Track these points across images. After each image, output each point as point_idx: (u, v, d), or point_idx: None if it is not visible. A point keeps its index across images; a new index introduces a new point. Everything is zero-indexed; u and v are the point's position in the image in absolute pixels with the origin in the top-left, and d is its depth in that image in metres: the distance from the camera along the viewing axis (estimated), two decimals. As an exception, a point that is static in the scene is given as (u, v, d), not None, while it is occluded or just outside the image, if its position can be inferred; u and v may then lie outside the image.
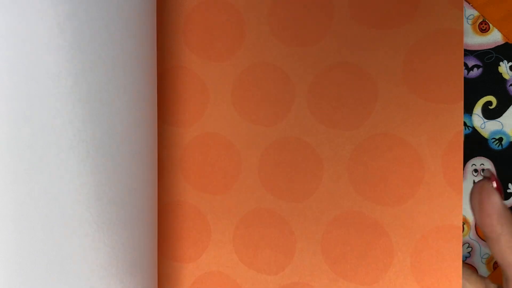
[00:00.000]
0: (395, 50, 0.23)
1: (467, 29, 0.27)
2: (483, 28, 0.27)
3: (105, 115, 0.20)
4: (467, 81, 0.27)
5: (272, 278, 0.25)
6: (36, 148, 0.19)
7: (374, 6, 0.23)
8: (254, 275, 0.26)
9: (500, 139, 0.27)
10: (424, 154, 0.22)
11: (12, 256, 0.19)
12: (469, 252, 0.27)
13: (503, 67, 0.27)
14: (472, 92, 0.27)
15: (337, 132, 0.24)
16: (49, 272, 0.20)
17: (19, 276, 0.19)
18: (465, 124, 0.27)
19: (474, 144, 0.27)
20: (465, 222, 0.27)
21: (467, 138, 0.27)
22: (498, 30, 0.27)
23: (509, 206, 0.27)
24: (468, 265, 0.27)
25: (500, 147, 0.27)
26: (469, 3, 0.27)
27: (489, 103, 0.27)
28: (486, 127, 0.27)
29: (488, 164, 0.27)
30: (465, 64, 0.27)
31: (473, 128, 0.27)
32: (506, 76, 0.27)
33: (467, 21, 0.27)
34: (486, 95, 0.27)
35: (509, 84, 0.27)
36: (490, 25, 0.27)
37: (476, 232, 0.27)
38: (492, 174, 0.21)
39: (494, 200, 0.20)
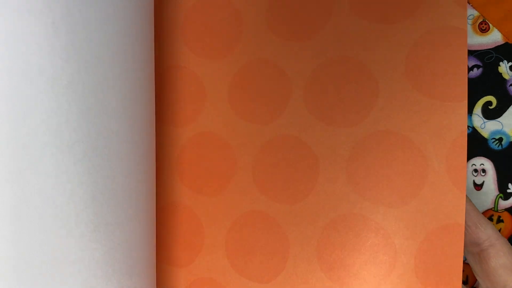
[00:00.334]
0: (398, 45, 0.22)
1: (467, 29, 0.27)
2: (483, 28, 0.27)
3: (101, 115, 0.20)
4: (467, 81, 0.27)
5: (264, 286, 0.24)
6: (32, 148, 0.19)
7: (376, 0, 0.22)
8: (245, 283, 0.24)
9: (500, 139, 0.27)
10: (428, 152, 0.21)
11: (8, 256, 0.19)
12: (469, 252, 0.27)
13: (503, 67, 0.27)
14: (472, 92, 0.27)
15: (335, 130, 0.23)
16: (45, 272, 0.19)
17: (15, 276, 0.19)
18: (465, 124, 0.27)
19: (474, 144, 0.27)
20: (465, 222, 0.27)
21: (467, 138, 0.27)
22: (498, 30, 0.27)
23: (509, 206, 0.27)
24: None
25: (500, 147, 0.27)
26: (469, 3, 0.27)
27: (489, 103, 0.27)
28: (486, 127, 0.27)
29: (488, 164, 0.27)
30: (465, 64, 0.27)
31: (473, 128, 0.27)
32: (506, 76, 0.27)
33: (467, 21, 0.27)
34: (486, 95, 0.27)
35: (509, 84, 0.27)
36: (490, 25, 0.27)
37: (476, 232, 0.27)
38: None
39: None
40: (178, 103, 0.26)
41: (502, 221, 0.27)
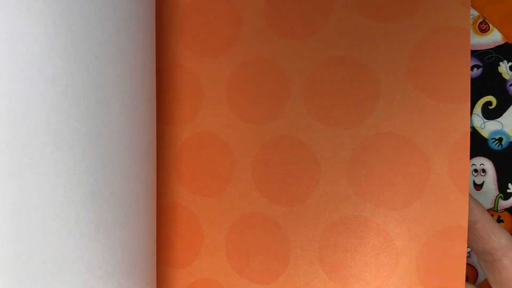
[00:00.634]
0: (399, 45, 0.22)
1: (467, 29, 0.27)
2: (483, 28, 0.27)
3: (102, 114, 0.20)
4: (467, 81, 0.27)
5: (265, 287, 0.24)
6: (32, 147, 0.19)
7: None
8: (246, 284, 0.24)
9: (500, 139, 0.27)
10: (430, 154, 0.21)
11: (8, 255, 0.19)
12: (469, 253, 0.27)
13: (503, 67, 0.27)
14: (472, 92, 0.27)
15: (336, 131, 0.23)
16: (45, 272, 0.19)
17: (15, 276, 0.19)
18: (465, 124, 0.27)
19: (474, 144, 0.27)
20: (465, 222, 0.27)
21: (467, 138, 0.27)
22: (498, 30, 0.27)
23: (509, 206, 0.27)
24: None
25: (500, 147, 0.27)
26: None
27: (489, 103, 0.27)
28: (486, 127, 0.27)
29: (488, 164, 0.27)
30: (465, 64, 0.27)
31: (473, 128, 0.27)
32: (506, 76, 0.27)
33: (467, 21, 0.27)
34: (486, 95, 0.27)
35: (509, 84, 0.27)
36: (490, 25, 0.27)
37: (476, 232, 0.27)
38: None
39: None
40: (175, 102, 0.26)
41: (502, 221, 0.27)
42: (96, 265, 0.20)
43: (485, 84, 0.27)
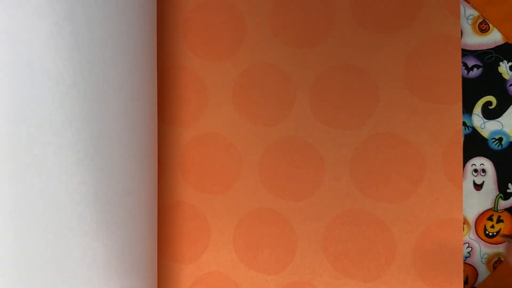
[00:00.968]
0: (396, 53, 0.24)
1: (467, 29, 0.27)
2: (483, 28, 0.27)
3: (104, 115, 0.20)
4: (467, 81, 0.27)
5: (272, 278, 0.25)
6: (34, 147, 0.19)
7: (375, 11, 0.24)
8: (254, 275, 0.25)
9: (500, 139, 0.27)
10: (425, 152, 0.23)
11: (10, 255, 0.19)
12: (469, 252, 0.27)
13: (503, 67, 0.27)
14: (472, 92, 0.27)
15: (339, 132, 0.25)
16: (47, 271, 0.19)
17: (17, 275, 0.19)
18: (465, 124, 0.27)
19: (474, 144, 0.27)
20: (465, 222, 0.27)
21: (467, 138, 0.27)
22: (498, 30, 0.27)
23: (509, 206, 0.27)
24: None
25: (500, 147, 0.27)
26: (469, 3, 0.27)
27: (489, 103, 0.27)
28: (486, 127, 0.27)
29: (488, 164, 0.27)
30: (465, 64, 0.27)
31: (473, 128, 0.27)
32: (506, 76, 0.27)
33: (467, 21, 0.27)
34: (486, 95, 0.27)
35: (509, 84, 0.27)
36: (490, 25, 0.27)
37: (476, 232, 0.27)
38: None
39: None
40: (181, 103, 0.27)
41: (502, 221, 0.27)
42: (98, 264, 0.20)
43: (485, 84, 0.27)
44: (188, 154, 0.27)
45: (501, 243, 0.27)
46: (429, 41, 0.24)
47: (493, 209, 0.27)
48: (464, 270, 0.27)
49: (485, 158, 0.27)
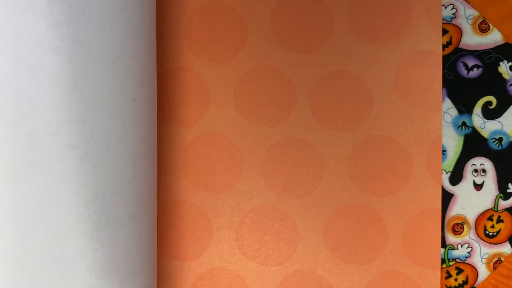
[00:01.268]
0: (388, 63, 0.27)
1: (467, 29, 0.27)
2: (483, 28, 0.27)
3: (103, 115, 0.20)
4: (467, 81, 0.27)
5: (276, 269, 0.27)
6: (34, 147, 0.19)
7: (370, 23, 0.27)
8: (258, 267, 0.27)
9: (500, 139, 0.27)
10: (412, 152, 0.27)
11: (10, 255, 0.19)
12: (469, 252, 0.27)
13: (503, 67, 0.27)
14: (472, 92, 0.27)
15: (337, 134, 0.27)
16: (47, 272, 0.19)
17: (17, 276, 0.19)
18: (465, 124, 0.27)
19: (474, 144, 0.27)
20: (465, 222, 0.27)
21: (467, 138, 0.27)
22: (498, 30, 0.27)
23: (509, 206, 0.27)
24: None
25: (500, 147, 0.27)
26: (469, 3, 0.27)
27: (489, 103, 0.27)
28: (486, 127, 0.27)
29: (488, 164, 0.27)
30: (465, 64, 0.27)
31: (473, 128, 0.27)
32: (506, 76, 0.27)
33: (467, 21, 0.27)
34: (486, 95, 0.27)
35: (509, 84, 0.27)
36: (490, 25, 0.27)
37: (476, 232, 0.27)
38: None
39: None
40: (182, 103, 0.28)
41: (502, 221, 0.27)
42: (98, 265, 0.20)
43: (485, 84, 0.27)
44: (190, 154, 0.27)
45: (501, 243, 0.27)
46: (415, 55, 0.27)
47: (493, 209, 0.27)
48: (464, 271, 0.27)
49: (485, 158, 0.27)
